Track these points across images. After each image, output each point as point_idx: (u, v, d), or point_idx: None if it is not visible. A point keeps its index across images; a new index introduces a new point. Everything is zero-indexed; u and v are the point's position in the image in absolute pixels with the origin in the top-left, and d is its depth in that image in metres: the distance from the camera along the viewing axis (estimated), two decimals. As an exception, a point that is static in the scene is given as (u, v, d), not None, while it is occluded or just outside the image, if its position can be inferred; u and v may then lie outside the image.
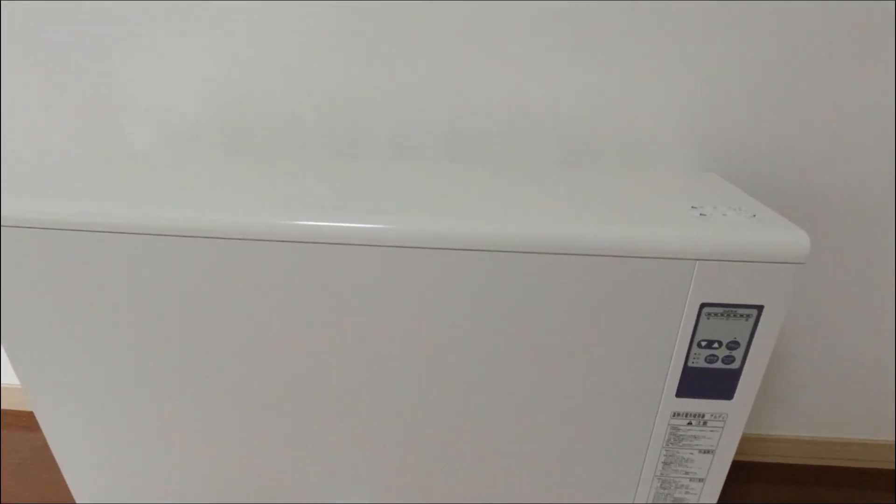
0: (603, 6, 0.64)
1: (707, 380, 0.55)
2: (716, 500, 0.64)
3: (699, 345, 0.53)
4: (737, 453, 0.87)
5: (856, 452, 0.95)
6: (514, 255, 0.50)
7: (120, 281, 0.54)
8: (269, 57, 0.70)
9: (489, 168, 0.68)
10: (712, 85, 0.68)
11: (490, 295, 0.52)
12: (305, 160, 0.69)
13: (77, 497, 0.72)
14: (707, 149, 0.71)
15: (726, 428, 0.58)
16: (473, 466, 0.64)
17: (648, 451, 0.61)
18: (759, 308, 0.51)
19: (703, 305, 0.51)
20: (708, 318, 0.52)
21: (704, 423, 0.58)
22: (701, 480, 0.62)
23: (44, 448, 0.97)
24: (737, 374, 0.54)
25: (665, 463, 0.61)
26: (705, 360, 0.54)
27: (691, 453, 0.60)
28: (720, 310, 0.51)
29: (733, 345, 0.53)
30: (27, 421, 1.04)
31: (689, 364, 0.54)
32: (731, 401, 0.56)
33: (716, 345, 0.53)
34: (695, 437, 0.59)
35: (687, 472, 0.61)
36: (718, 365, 0.54)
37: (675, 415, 0.58)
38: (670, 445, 0.60)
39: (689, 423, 0.58)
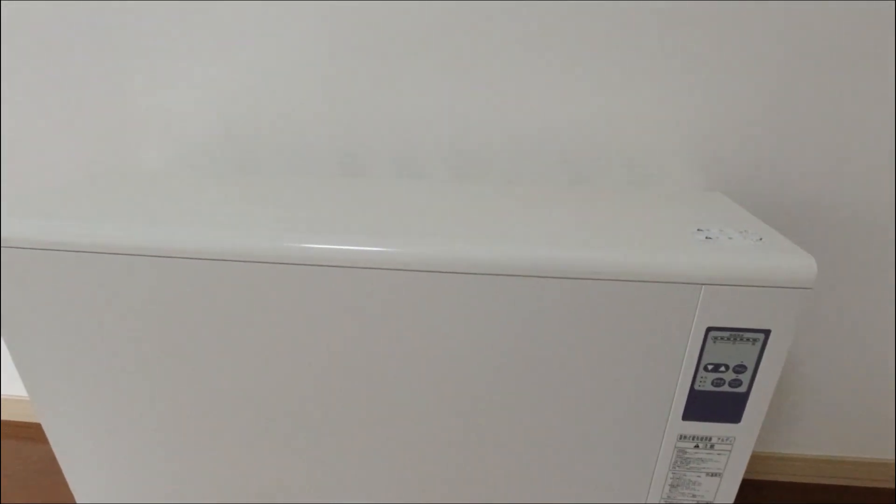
0: (607, 26, 0.65)
1: (714, 403, 0.55)
2: (724, 523, 0.63)
3: (706, 368, 0.53)
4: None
5: (862, 471, 0.94)
6: (520, 279, 0.50)
7: (121, 300, 0.54)
8: (276, 76, 0.71)
9: (493, 187, 0.68)
10: (716, 100, 0.68)
11: (495, 318, 0.52)
12: (310, 179, 0.70)
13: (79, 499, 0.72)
14: (711, 165, 0.71)
15: (734, 451, 0.58)
16: (477, 492, 0.63)
17: (655, 474, 0.60)
18: (767, 332, 0.50)
19: (709, 329, 0.51)
20: (714, 342, 0.51)
21: (712, 446, 0.58)
22: None
23: (40, 460, 0.97)
24: (744, 397, 0.54)
25: (672, 485, 0.61)
26: (712, 383, 0.54)
27: (698, 476, 0.60)
28: (727, 334, 0.51)
29: (740, 368, 0.53)
30: (29, 432, 1.04)
31: (696, 387, 0.54)
32: (739, 424, 0.56)
33: (722, 368, 0.53)
34: (702, 459, 0.58)
35: (694, 495, 0.61)
36: (725, 388, 0.54)
37: (682, 437, 0.57)
38: (677, 468, 0.59)
39: (696, 446, 0.58)
